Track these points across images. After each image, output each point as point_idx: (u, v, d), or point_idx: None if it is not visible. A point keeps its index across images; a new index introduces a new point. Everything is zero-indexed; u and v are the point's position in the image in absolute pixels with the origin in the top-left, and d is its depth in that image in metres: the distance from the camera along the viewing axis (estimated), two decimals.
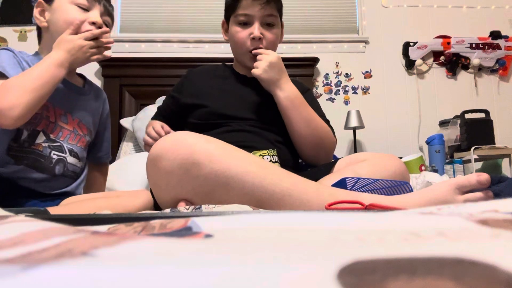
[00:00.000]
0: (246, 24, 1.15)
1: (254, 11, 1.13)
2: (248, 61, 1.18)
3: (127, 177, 1.60)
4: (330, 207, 0.65)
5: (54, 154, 1.05)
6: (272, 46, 1.18)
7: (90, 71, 2.58)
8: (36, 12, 1.10)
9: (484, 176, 0.66)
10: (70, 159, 1.10)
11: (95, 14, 1.08)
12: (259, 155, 0.94)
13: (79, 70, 1.22)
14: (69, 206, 0.95)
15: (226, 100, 1.16)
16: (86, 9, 1.08)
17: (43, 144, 1.03)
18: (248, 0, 1.13)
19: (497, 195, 0.84)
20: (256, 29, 1.13)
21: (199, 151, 0.69)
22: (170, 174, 0.71)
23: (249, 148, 0.96)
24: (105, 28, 1.05)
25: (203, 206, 0.66)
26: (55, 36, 1.06)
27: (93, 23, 1.07)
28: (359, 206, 0.62)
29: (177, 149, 0.70)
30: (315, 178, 0.96)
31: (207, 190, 0.70)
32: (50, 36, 1.09)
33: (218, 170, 0.68)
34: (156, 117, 1.32)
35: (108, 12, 1.14)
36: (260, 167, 0.71)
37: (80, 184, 1.16)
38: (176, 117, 1.25)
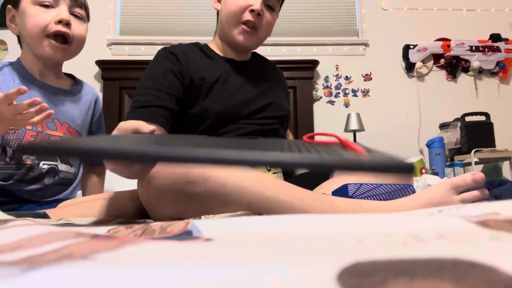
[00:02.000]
0: None
1: None
2: (237, 34, 1.06)
3: (127, 180, 1.59)
4: (307, 139, 0.65)
5: (44, 164, 1.02)
6: (267, 29, 1.09)
7: (90, 73, 2.59)
8: (7, 19, 1.03)
9: (479, 175, 0.66)
10: (62, 167, 1.07)
11: (61, 11, 1.00)
12: None
13: (74, 70, 1.18)
14: (67, 208, 0.95)
15: (231, 97, 1.04)
16: (51, 6, 1.00)
17: (31, 157, 1.00)
18: None
19: (498, 198, 0.84)
20: (258, 3, 1.02)
21: (193, 169, 0.67)
22: (164, 193, 0.68)
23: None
24: (33, 100, 0.84)
25: (203, 217, 0.65)
26: (28, 42, 1.02)
27: (60, 22, 0.99)
28: (334, 140, 0.60)
29: (170, 167, 0.67)
30: (316, 183, 0.96)
31: (203, 208, 0.68)
32: (25, 42, 1.04)
33: (214, 187, 0.66)
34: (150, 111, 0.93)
35: (79, 3, 1.05)
36: (256, 181, 0.69)
37: (74, 189, 1.13)
38: (180, 102, 1.00)
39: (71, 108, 1.12)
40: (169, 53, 1.04)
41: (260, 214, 0.67)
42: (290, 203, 0.68)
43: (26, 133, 1.00)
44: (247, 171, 0.71)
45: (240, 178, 0.68)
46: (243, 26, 1.04)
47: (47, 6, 1.00)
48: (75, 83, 1.18)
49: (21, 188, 1.00)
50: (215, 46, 1.15)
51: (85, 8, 1.09)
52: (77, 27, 1.04)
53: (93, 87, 1.25)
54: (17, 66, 1.06)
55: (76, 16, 1.05)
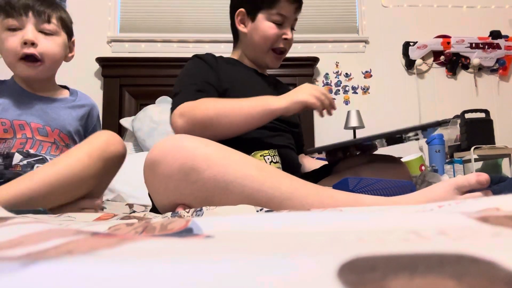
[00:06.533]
0: (277, 23, 1.17)
1: (289, 13, 1.17)
2: (269, 58, 1.20)
3: (127, 177, 1.60)
4: None
5: (38, 167, 1.02)
6: (290, 48, 1.25)
7: (90, 71, 2.58)
8: None
9: (484, 176, 0.65)
10: None
11: (26, 31, 1.00)
12: (260, 155, 0.94)
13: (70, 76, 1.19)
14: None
15: (253, 94, 1.12)
16: (18, 28, 1.01)
17: (21, 163, 1.00)
18: (286, 1, 1.15)
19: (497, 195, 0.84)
20: (289, 32, 1.19)
21: (198, 155, 0.68)
22: (168, 178, 0.70)
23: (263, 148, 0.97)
24: None
25: (204, 208, 0.65)
26: (8, 66, 1.04)
27: (25, 43, 1.00)
28: None
29: (175, 154, 0.69)
30: (316, 180, 0.96)
31: (206, 195, 0.69)
32: None
33: (217, 174, 0.67)
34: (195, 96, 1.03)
35: (44, 19, 1.04)
36: (259, 171, 0.70)
37: None
38: None
39: (63, 115, 1.13)
40: (203, 56, 1.16)
41: (260, 204, 0.68)
42: (290, 194, 0.68)
43: (16, 141, 1.01)
44: (250, 161, 0.71)
45: (243, 166, 0.69)
46: (274, 53, 1.19)
47: (14, 30, 1.01)
48: (70, 93, 1.20)
49: None
50: (237, 58, 1.26)
51: (60, 20, 1.08)
52: (45, 44, 1.04)
53: (90, 97, 1.26)
54: (12, 82, 1.10)
55: (45, 32, 1.04)
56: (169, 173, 0.69)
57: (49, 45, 1.04)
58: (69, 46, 1.16)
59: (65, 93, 1.19)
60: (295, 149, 1.19)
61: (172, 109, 1.01)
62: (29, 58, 1.02)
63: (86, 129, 1.22)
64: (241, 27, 1.21)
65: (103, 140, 0.94)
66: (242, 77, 1.15)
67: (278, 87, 1.28)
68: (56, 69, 1.12)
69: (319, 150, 0.98)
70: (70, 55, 1.17)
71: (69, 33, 1.13)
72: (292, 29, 1.22)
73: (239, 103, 0.96)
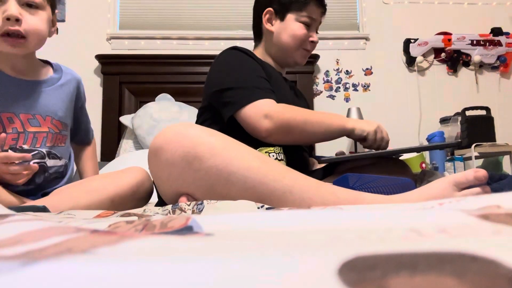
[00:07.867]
0: (306, 24, 1.21)
1: (317, 16, 1.22)
2: (299, 56, 1.23)
3: None
4: None
5: (33, 163, 0.97)
6: (314, 49, 1.29)
7: (90, 68, 2.58)
8: None
9: (482, 172, 0.66)
10: (50, 162, 1.03)
11: (8, 5, 0.90)
12: (265, 152, 0.94)
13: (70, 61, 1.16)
14: (61, 193, 0.93)
15: (282, 94, 1.14)
16: (1, 1, 0.91)
17: (17, 161, 0.94)
18: (314, 5, 1.21)
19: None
20: (315, 35, 1.24)
21: (202, 144, 0.68)
22: (171, 166, 0.70)
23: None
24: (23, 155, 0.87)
25: (205, 202, 0.65)
26: None
27: (8, 19, 0.90)
28: None
29: (179, 141, 0.69)
30: (319, 178, 0.97)
31: (208, 184, 0.69)
32: None
33: (220, 164, 0.68)
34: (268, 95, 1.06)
35: None
36: (262, 163, 0.70)
37: (68, 181, 1.10)
38: None
39: (52, 99, 1.07)
40: (244, 50, 1.16)
41: (262, 196, 0.68)
42: (291, 187, 0.68)
43: (7, 137, 0.95)
44: (253, 153, 0.72)
45: (247, 158, 0.69)
46: (304, 51, 1.23)
47: None
48: (54, 70, 1.12)
49: (13, 189, 0.97)
50: (260, 56, 1.26)
51: None
52: (30, 20, 0.94)
53: (74, 71, 1.18)
54: None
55: (30, 5, 0.95)
56: (172, 160, 0.70)
57: (34, 22, 0.95)
58: (52, 19, 1.04)
59: (49, 71, 1.10)
60: (307, 150, 1.22)
61: (236, 104, 1.02)
62: (13, 35, 0.93)
63: (76, 106, 1.17)
64: (268, 26, 1.23)
65: (131, 184, 0.95)
66: (275, 78, 1.16)
67: (297, 94, 1.32)
68: (40, 46, 1.02)
69: (332, 161, 1.01)
70: (52, 29, 1.06)
71: (53, 6, 1.03)
72: (316, 32, 1.26)
73: (319, 115, 1.03)
